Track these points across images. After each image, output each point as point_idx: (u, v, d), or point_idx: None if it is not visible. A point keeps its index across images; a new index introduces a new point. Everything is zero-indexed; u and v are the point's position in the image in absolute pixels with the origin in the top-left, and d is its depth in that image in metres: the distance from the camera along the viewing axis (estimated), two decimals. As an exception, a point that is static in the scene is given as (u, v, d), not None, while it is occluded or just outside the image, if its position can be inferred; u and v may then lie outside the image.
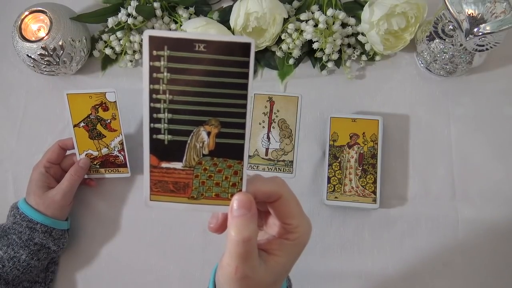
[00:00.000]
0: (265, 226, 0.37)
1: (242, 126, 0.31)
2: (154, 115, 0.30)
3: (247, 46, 0.29)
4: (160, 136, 0.31)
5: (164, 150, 0.31)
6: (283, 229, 0.34)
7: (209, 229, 0.35)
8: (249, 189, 0.32)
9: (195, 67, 0.29)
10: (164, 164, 0.31)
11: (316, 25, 0.65)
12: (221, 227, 0.34)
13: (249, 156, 0.60)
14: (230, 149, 0.31)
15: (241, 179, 0.32)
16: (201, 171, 0.32)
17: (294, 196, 0.34)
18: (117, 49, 0.70)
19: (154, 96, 0.30)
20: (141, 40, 0.69)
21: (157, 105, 0.30)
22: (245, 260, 0.31)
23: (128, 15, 0.67)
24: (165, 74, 0.29)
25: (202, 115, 0.30)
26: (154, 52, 0.29)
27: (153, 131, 0.31)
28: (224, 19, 0.69)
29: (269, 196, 0.33)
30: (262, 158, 0.61)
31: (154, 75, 0.29)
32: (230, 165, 0.32)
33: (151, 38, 0.29)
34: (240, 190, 0.32)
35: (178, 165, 0.32)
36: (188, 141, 0.31)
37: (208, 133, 0.31)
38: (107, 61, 0.73)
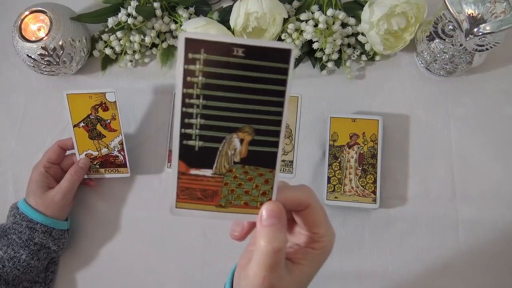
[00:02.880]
0: (289, 234, 0.36)
1: (277, 134, 0.30)
2: (186, 120, 0.29)
3: (287, 52, 0.28)
4: (191, 142, 0.30)
5: (194, 157, 0.30)
6: (309, 238, 0.33)
7: (232, 237, 0.34)
8: (278, 198, 0.31)
9: (232, 72, 0.28)
10: (193, 171, 0.31)
11: (316, 25, 0.65)
12: (245, 235, 0.33)
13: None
14: (262, 157, 0.30)
15: (272, 187, 0.31)
16: (231, 179, 0.31)
17: (321, 204, 0.33)
18: (117, 49, 0.70)
19: (187, 100, 0.29)
20: (141, 40, 0.69)
21: (190, 110, 0.29)
22: (273, 270, 0.30)
23: (128, 15, 0.67)
24: (200, 78, 0.28)
25: (236, 121, 0.29)
26: (190, 55, 0.28)
27: (183, 136, 0.30)
28: (224, 19, 0.69)
29: (298, 205, 0.32)
30: (262, 158, 0.61)
31: (188, 78, 0.28)
32: (262, 173, 0.31)
33: (188, 41, 0.27)
34: (270, 199, 0.31)
35: (207, 172, 0.31)
36: (220, 148, 0.30)
37: (241, 140, 0.30)
38: (107, 61, 0.73)
